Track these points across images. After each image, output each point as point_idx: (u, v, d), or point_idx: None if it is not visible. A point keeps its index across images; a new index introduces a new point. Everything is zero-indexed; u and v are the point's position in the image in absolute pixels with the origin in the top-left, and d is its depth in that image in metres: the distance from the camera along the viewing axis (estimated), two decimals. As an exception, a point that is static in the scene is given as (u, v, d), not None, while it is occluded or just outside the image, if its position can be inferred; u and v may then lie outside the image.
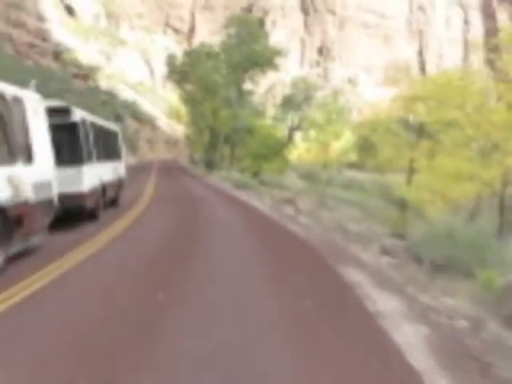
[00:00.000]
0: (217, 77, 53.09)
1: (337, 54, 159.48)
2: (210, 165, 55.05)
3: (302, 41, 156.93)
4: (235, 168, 48.98)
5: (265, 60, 50.01)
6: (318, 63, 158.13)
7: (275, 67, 54.46)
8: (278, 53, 51.62)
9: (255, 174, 47.59)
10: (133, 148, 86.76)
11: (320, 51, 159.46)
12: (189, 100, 61.07)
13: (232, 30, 52.51)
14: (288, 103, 48.21)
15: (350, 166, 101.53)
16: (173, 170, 58.44)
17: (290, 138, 48.46)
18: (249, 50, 49.54)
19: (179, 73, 59.60)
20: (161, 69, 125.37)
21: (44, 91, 17.06)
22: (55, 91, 56.07)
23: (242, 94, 51.53)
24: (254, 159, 47.12)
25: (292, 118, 47.67)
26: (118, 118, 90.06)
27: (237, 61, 50.65)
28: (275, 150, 47.42)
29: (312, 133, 46.21)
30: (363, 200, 46.20)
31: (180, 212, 19.24)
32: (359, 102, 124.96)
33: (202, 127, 63.31)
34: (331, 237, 13.95)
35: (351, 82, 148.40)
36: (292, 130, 48.12)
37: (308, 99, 47.23)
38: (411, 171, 28.45)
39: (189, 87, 60.10)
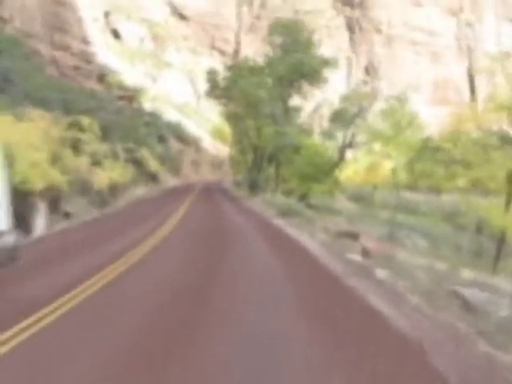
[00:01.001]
0: (260, 92, 47.34)
1: (384, 73, 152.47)
2: (253, 187, 49.16)
3: (348, 59, 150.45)
4: (280, 190, 42.99)
5: (313, 71, 44.14)
6: (365, 82, 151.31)
7: (324, 80, 48.45)
8: (327, 63, 45.58)
9: (302, 197, 41.49)
10: (175, 169, 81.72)
11: (367, 70, 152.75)
12: (231, 117, 55.40)
13: (277, 39, 46.74)
14: (339, 118, 42.08)
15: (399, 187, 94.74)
16: (213, 193, 52.84)
17: (342, 156, 42.25)
18: (295, 59, 43.67)
19: (221, 89, 54.06)
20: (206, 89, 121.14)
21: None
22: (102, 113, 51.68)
23: (288, 110, 45.60)
24: (302, 180, 41.03)
25: (344, 134, 41.47)
26: (161, 139, 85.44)
27: (282, 73, 44.76)
28: (325, 169, 41.27)
29: (376, 146, 39.33)
30: (430, 226, 39.43)
31: (200, 254, 13.37)
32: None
33: (245, 146, 57.53)
34: (455, 329, 7.55)
35: (400, 101, 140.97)
36: (343, 147, 41.94)
37: (362, 112, 41.06)
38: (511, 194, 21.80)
39: (231, 104, 54.49)
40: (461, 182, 75.56)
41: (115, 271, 10.61)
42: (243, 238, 18.00)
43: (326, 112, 70.75)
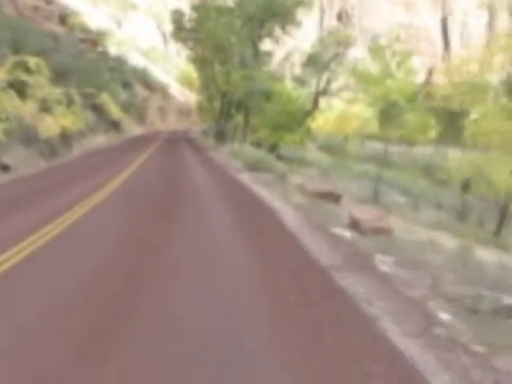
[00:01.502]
0: (229, 35, 43.44)
1: (357, 21, 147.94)
2: (220, 136, 45.64)
3: (321, 6, 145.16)
4: (249, 140, 39.55)
5: (285, 11, 40.20)
6: (337, 30, 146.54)
7: (297, 24, 44.64)
8: (300, 2, 41.50)
9: (272, 148, 38.21)
10: (141, 117, 77.44)
11: (339, 17, 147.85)
12: (198, 61, 51.37)
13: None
14: (313, 62, 38.50)
15: (368, 138, 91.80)
16: (178, 142, 49.23)
17: (315, 104, 38.86)
18: (267, -2, 39.67)
19: (187, 30, 49.89)
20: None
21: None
22: (59, 56, 47.21)
23: (259, 54, 41.67)
24: (272, 129, 37.65)
25: (318, 80, 37.97)
26: (126, 85, 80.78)
27: (252, 11, 40.71)
28: (297, 118, 37.92)
29: (367, 89, 35.46)
30: (407, 182, 36.57)
31: (151, 215, 10.35)
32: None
33: (212, 93, 53.74)
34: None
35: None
36: (317, 94, 38.54)
37: (338, 56, 37.56)
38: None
39: (198, 48, 50.44)
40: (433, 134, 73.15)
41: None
42: (202, 198, 14.79)
43: (298, 60, 66.93)
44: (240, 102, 38.64)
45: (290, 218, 12.13)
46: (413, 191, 32.36)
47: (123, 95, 73.10)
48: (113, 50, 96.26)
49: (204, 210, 12.79)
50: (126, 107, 68.00)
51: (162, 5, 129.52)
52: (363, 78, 31.37)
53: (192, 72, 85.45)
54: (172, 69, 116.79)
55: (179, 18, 50.15)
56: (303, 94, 39.97)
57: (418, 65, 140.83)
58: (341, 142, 73.34)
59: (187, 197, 15.06)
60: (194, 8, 50.24)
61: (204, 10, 48.12)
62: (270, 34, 41.73)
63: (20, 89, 29.25)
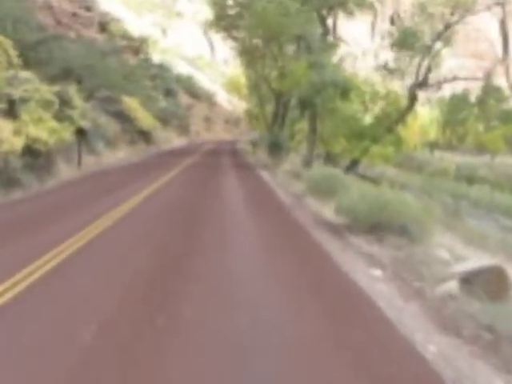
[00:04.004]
0: (284, 17, 30.60)
1: (410, 23, 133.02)
2: (274, 148, 32.69)
3: (372, 9, 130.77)
4: (316, 153, 26.49)
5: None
6: (390, 34, 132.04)
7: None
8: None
9: (351, 166, 25.13)
10: (183, 127, 65.01)
11: (392, 21, 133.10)
12: (245, 54, 38.53)
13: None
14: (409, 41, 25.09)
15: (431, 147, 77.59)
16: (221, 157, 36.61)
17: (412, 102, 25.48)
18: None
19: (230, 18, 37.33)
20: (221, 43, 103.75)
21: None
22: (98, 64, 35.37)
23: (329, 33, 28.32)
24: (352, 139, 24.57)
25: (418, 67, 24.63)
26: (168, 93, 68.73)
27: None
28: (385, 123, 24.85)
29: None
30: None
31: None
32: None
33: (264, 95, 40.86)
34: None
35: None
36: (415, 87, 25.25)
37: (449, 29, 24.24)
38: None
39: (245, 38, 37.76)
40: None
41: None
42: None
43: (350, 66, 53.32)
44: (303, 101, 25.24)
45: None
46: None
47: (163, 103, 61.09)
48: (157, 57, 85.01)
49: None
50: (166, 116, 55.87)
51: (209, 12, 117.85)
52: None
53: (240, 77, 73.21)
54: (219, 77, 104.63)
55: (220, 1, 37.56)
56: (395, 89, 26.62)
57: (473, 67, 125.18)
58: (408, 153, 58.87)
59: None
60: (240, -12, 37.49)
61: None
62: (343, 4, 28.26)
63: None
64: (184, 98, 77.06)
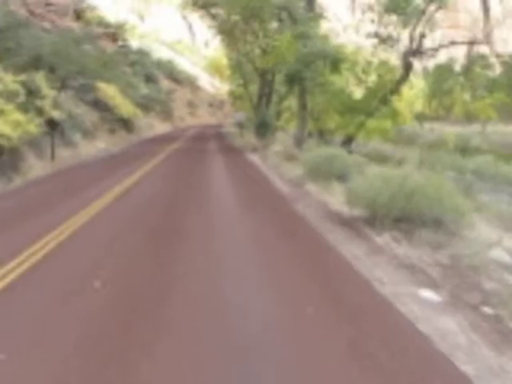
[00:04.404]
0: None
1: None
2: (261, 129, 30.71)
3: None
4: (310, 132, 24.48)
5: None
6: (370, 8, 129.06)
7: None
8: None
9: (345, 142, 23.17)
10: (166, 113, 62.62)
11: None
12: (225, 33, 36.20)
13: None
14: (399, 5, 22.97)
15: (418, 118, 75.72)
16: (206, 141, 34.52)
17: (407, 71, 23.43)
18: None
19: (207, -7, 35.07)
20: (200, 26, 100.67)
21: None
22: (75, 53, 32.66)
23: (312, 5, 26.03)
24: (345, 114, 22.55)
25: (411, 32, 22.62)
26: (149, 79, 66.11)
27: None
28: (379, 95, 22.88)
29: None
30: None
31: None
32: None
33: (247, 74, 38.68)
34: None
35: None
36: (408, 55, 23.25)
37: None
38: None
39: (223, 15, 35.48)
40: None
41: None
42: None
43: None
44: (291, 77, 23.07)
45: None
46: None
47: (144, 89, 58.59)
48: (135, 43, 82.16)
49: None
50: (147, 102, 53.51)
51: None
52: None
53: (221, 58, 70.92)
54: (200, 60, 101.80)
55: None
56: (388, 58, 24.53)
57: (458, 38, 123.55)
58: (398, 127, 56.62)
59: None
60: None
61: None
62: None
63: None
64: (165, 84, 74.56)
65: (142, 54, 76.87)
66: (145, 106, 51.76)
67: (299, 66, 21.98)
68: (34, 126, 17.57)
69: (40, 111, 21.24)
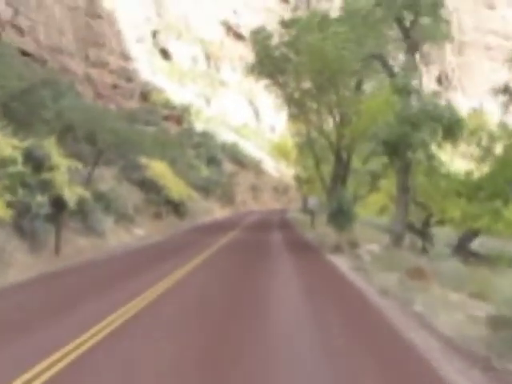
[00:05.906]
0: (343, 52, 22.24)
1: (458, 83, 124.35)
2: (339, 217, 23.48)
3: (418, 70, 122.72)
4: (408, 222, 17.14)
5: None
6: (437, 94, 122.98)
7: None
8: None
9: (466, 239, 15.75)
10: (227, 197, 56.52)
11: (439, 80, 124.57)
12: (292, 102, 30.00)
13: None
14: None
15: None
16: (269, 234, 27.53)
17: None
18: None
19: (275, 59, 29.22)
20: (267, 110, 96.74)
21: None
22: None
23: (415, 48, 19.27)
24: (471, 199, 15.29)
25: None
26: (211, 161, 60.78)
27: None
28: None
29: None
30: None
31: None
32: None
33: (318, 150, 31.96)
34: None
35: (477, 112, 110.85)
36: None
37: None
38: None
39: (292, 82, 29.51)
40: None
41: None
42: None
43: None
44: (392, 145, 16.04)
45: None
46: None
47: (205, 172, 53.15)
48: (200, 126, 78.48)
49: None
50: (208, 185, 47.79)
51: (253, 80, 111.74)
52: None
53: (287, 141, 65.23)
54: (265, 145, 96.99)
55: (265, 40, 29.57)
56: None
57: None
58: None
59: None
60: (287, 23, 29.45)
61: (302, 24, 27.25)
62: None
63: None
64: (229, 167, 69.39)
65: (207, 136, 72.80)
66: (205, 188, 46.16)
67: (402, 131, 15.04)
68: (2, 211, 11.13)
69: (46, 186, 15.10)
